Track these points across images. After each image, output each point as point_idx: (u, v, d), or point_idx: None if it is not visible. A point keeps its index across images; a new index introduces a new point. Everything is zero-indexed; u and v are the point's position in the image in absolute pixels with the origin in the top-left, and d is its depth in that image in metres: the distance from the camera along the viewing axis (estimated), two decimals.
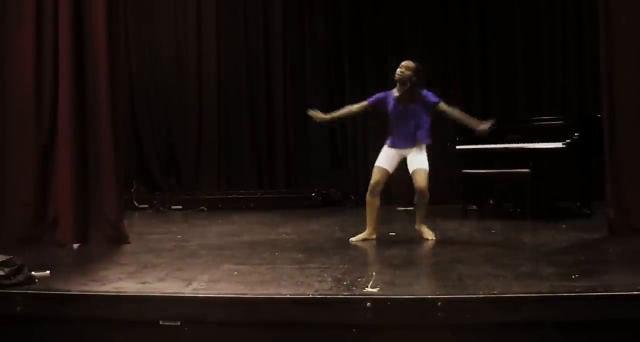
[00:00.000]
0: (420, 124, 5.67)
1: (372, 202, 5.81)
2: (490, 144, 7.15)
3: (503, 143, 7.05)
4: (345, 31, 9.32)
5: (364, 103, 5.89)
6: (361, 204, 8.96)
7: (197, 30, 9.74)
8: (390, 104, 5.71)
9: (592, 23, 7.20)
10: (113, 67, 5.84)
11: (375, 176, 5.81)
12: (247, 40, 9.66)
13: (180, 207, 8.98)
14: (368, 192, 5.83)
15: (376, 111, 5.93)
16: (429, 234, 5.80)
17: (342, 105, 9.25)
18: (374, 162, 8.95)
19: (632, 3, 5.45)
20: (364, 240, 5.76)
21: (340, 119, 6.21)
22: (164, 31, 9.79)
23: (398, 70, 5.69)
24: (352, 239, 5.79)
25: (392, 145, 5.78)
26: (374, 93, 9.05)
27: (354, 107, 5.98)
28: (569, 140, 6.67)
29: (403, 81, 5.67)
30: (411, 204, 8.59)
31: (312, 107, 6.13)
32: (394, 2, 9.17)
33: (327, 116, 5.98)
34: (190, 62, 9.76)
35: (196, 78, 9.73)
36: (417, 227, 5.91)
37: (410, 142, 5.70)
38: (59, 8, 5.73)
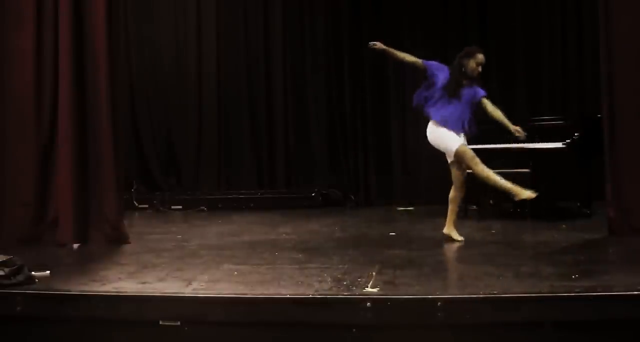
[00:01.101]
0: (466, 114, 5.49)
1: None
2: (490, 144, 7.15)
3: (503, 143, 7.04)
4: (345, 31, 9.31)
5: (420, 60, 5.53)
6: (361, 204, 9.06)
7: (197, 30, 9.72)
8: (444, 80, 5.43)
9: (592, 23, 7.20)
10: (113, 67, 5.84)
11: (470, 151, 5.42)
12: (247, 40, 9.66)
13: (180, 207, 8.97)
14: (481, 163, 5.36)
15: (422, 74, 5.56)
16: (459, 237, 5.66)
17: (341, 106, 9.38)
18: (375, 163, 9.09)
19: (632, 3, 5.45)
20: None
21: (393, 58, 5.69)
22: (164, 31, 9.78)
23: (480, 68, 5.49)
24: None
25: (446, 126, 5.42)
26: (373, 93, 9.17)
27: (411, 58, 5.57)
28: (569, 140, 6.67)
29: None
30: (411, 204, 8.66)
31: None
32: (394, 2, 9.17)
33: (385, 47, 5.58)
34: (190, 62, 9.75)
35: (196, 78, 9.72)
36: (448, 230, 5.67)
37: (460, 126, 5.47)
38: (59, 8, 5.74)
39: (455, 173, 5.59)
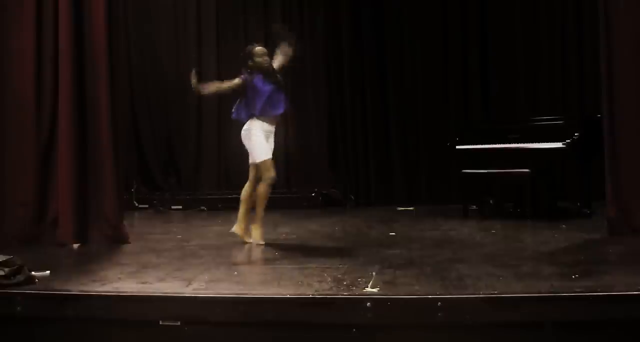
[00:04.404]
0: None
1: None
2: (490, 144, 7.16)
3: (503, 143, 7.05)
4: (345, 31, 9.30)
5: (237, 80, 5.73)
6: (361, 204, 9.07)
7: (197, 30, 9.73)
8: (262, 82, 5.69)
9: (592, 22, 7.19)
10: (113, 67, 5.84)
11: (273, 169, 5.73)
12: (247, 40, 9.64)
13: (180, 207, 8.97)
14: (271, 186, 5.72)
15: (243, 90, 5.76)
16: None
17: (341, 106, 9.37)
18: (375, 163, 9.09)
19: (632, 1, 5.45)
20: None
21: (211, 92, 5.99)
22: (164, 31, 9.79)
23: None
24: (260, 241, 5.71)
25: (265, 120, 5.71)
26: (373, 92, 9.17)
27: (227, 84, 5.81)
28: (569, 141, 6.67)
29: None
30: (411, 204, 8.66)
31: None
32: (394, 1, 9.17)
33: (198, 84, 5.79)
34: (190, 62, 9.73)
35: (196, 78, 9.71)
36: (250, 226, 5.79)
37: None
38: (59, 8, 5.74)
39: (252, 172, 5.85)
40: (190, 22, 9.75)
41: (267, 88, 5.66)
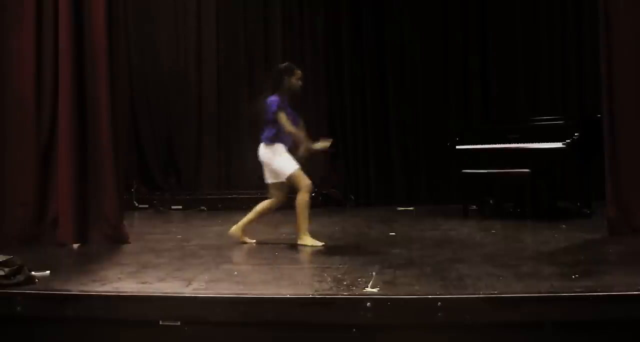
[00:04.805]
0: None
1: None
2: (490, 144, 7.16)
3: (503, 143, 7.05)
4: (345, 31, 9.31)
5: (285, 120, 5.61)
6: (361, 204, 9.07)
7: (197, 30, 9.74)
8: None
9: (592, 22, 7.20)
10: (113, 67, 5.84)
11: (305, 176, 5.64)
12: (247, 40, 9.66)
13: (180, 207, 8.98)
14: (309, 193, 5.61)
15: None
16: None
17: (341, 106, 9.36)
18: (375, 163, 9.09)
19: (632, 2, 5.45)
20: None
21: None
22: (164, 31, 9.79)
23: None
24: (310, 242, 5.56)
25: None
26: (373, 92, 9.17)
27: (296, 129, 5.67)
28: (569, 140, 6.67)
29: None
30: (411, 204, 8.66)
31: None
32: (394, 1, 9.17)
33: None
34: (190, 62, 9.76)
35: (196, 78, 9.73)
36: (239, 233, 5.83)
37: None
38: (59, 8, 5.74)
39: (275, 191, 5.76)
40: (191, 22, 9.75)
41: (292, 113, 5.70)
